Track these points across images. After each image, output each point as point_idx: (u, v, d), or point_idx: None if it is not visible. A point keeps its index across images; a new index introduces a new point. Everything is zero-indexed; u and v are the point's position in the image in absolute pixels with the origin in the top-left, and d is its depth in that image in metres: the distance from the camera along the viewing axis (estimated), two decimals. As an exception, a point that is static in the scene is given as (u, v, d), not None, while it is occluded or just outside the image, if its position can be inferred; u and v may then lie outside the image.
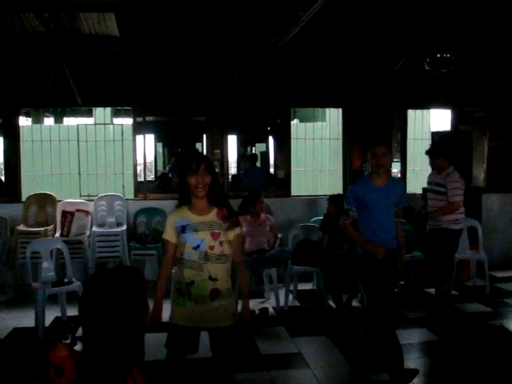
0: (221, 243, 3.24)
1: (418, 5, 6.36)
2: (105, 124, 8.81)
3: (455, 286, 7.06)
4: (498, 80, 8.49)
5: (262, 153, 12.62)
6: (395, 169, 9.38)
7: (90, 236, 7.44)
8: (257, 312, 6.33)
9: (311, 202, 8.27)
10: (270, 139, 12.51)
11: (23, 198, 7.76)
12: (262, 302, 6.76)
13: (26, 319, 6.02)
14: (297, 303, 6.77)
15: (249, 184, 9.50)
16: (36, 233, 7.15)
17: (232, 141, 11.03)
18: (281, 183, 8.88)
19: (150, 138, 11.58)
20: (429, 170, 8.20)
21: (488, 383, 4.38)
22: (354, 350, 4.96)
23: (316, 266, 6.49)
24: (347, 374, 4.60)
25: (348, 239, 5.30)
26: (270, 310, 6.43)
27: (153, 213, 7.74)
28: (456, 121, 8.83)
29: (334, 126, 8.97)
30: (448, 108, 8.91)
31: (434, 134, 8.59)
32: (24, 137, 8.22)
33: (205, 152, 8.30)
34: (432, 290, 6.65)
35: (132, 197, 8.09)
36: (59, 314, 6.09)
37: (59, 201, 7.72)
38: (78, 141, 8.48)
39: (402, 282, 6.93)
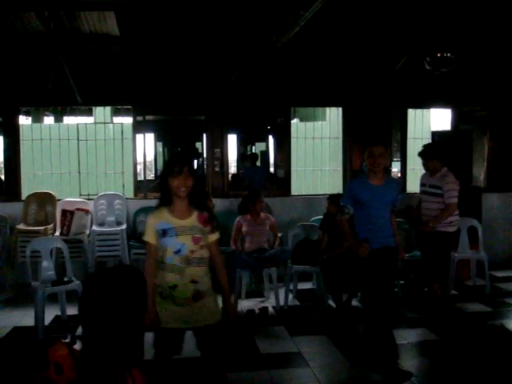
0: (201, 247, 3.30)
1: (419, 4, 6.35)
2: (105, 123, 8.80)
3: (455, 285, 7.07)
4: (499, 79, 8.48)
5: (261, 152, 12.64)
6: (395, 168, 9.40)
7: (89, 235, 7.43)
8: (257, 311, 6.33)
9: (311, 201, 8.27)
10: (270, 138, 12.55)
11: (23, 197, 7.76)
12: (262, 302, 6.76)
13: (25, 318, 6.03)
14: (297, 302, 6.77)
15: (249, 183, 9.50)
16: (36, 232, 7.14)
17: (232, 140, 11.04)
18: (281, 182, 8.87)
19: (150, 137, 11.62)
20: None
21: (488, 383, 4.38)
22: (353, 350, 4.96)
23: (316, 266, 6.49)
24: (347, 374, 4.60)
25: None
26: (270, 309, 6.43)
27: (153, 212, 7.72)
28: (456, 120, 8.82)
29: (334, 126, 8.96)
30: (448, 107, 8.90)
31: (434, 134, 8.58)
32: (24, 136, 8.21)
33: (205, 151, 8.30)
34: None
35: (132, 196, 8.08)
36: (59, 313, 6.09)
37: (59, 200, 7.72)
38: (78, 140, 8.48)
39: (402, 282, 6.92)
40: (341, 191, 7.82)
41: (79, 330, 1.74)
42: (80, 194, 8.26)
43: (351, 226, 4.69)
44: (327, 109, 9.22)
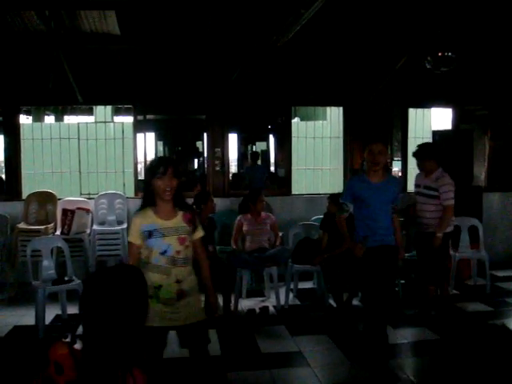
0: (186, 247, 3.35)
1: (420, 3, 6.34)
2: (105, 122, 8.80)
3: (456, 285, 7.07)
4: (500, 79, 8.47)
5: (262, 151, 12.64)
6: (396, 167, 9.40)
7: (90, 234, 7.43)
8: (257, 311, 6.33)
9: (312, 200, 8.26)
10: (271, 138, 12.54)
11: (24, 196, 7.76)
12: (263, 301, 6.76)
13: (26, 317, 6.03)
14: (297, 302, 6.77)
15: (250, 182, 9.50)
16: (36, 231, 7.14)
17: (233, 139, 11.04)
18: (281, 182, 8.87)
19: (151, 136, 11.59)
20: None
21: (489, 382, 4.38)
22: (354, 349, 4.96)
23: (316, 265, 6.49)
24: (347, 373, 4.60)
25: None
26: (271, 308, 6.43)
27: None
28: (457, 120, 8.81)
29: (334, 125, 8.96)
30: (449, 107, 8.89)
31: (435, 133, 8.58)
32: (25, 135, 8.21)
33: (205, 150, 8.29)
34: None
35: (132, 195, 8.08)
36: (59, 312, 6.09)
37: (60, 199, 7.72)
38: (79, 139, 8.48)
39: (403, 281, 6.92)
40: (341, 190, 7.79)
41: (80, 330, 1.73)
42: (81, 194, 8.26)
43: (351, 225, 4.70)
44: (328, 108, 9.22)
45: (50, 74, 7.29)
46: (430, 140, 8.62)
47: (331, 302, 6.44)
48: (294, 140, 8.60)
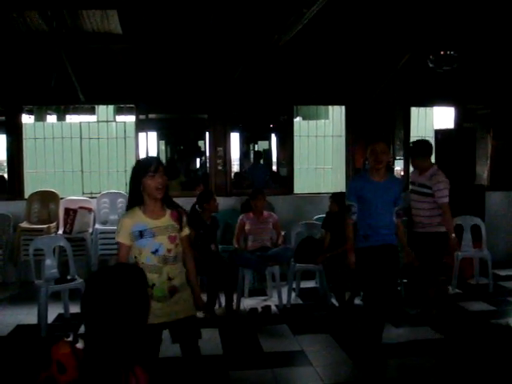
0: (176, 245, 3.38)
1: (422, 2, 6.33)
2: (107, 121, 8.82)
3: (458, 284, 7.06)
4: (502, 78, 8.46)
5: (264, 150, 12.64)
6: (398, 166, 9.38)
7: (92, 233, 7.44)
8: (259, 310, 6.33)
9: (314, 199, 8.26)
10: (273, 137, 12.54)
11: (26, 196, 7.77)
12: (265, 300, 6.76)
13: (28, 316, 6.04)
14: (299, 301, 6.77)
15: (252, 181, 9.51)
16: (39, 230, 7.16)
17: (235, 138, 11.04)
18: (284, 181, 8.87)
19: (153, 135, 11.60)
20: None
21: (491, 382, 4.37)
22: (356, 348, 4.96)
23: (319, 264, 6.48)
24: (350, 372, 4.60)
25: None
26: (273, 307, 6.43)
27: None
28: (459, 118, 8.80)
29: (336, 124, 8.96)
30: (451, 105, 8.88)
31: (438, 132, 8.57)
32: (27, 134, 8.23)
33: (207, 149, 8.30)
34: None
35: (134, 194, 8.07)
36: (62, 311, 6.10)
37: (62, 198, 7.73)
38: (81, 138, 8.50)
39: (405, 281, 6.91)
40: (344, 189, 7.80)
41: (82, 329, 1.74)
42: (83, 193, 8.27)
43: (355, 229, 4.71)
44: (330, 107, 9.22)
45: (53, 74, 7.30)
46: (432, 139, 8.61)
47: (333, 301, 6.44)
48: (296, 139, 8.60)
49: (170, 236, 3.34)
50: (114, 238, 3.45)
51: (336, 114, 8.97)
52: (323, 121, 9.45)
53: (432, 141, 8.44)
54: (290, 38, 6.35)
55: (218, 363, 4.78)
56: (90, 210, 7.61)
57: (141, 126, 8.14)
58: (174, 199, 3.61)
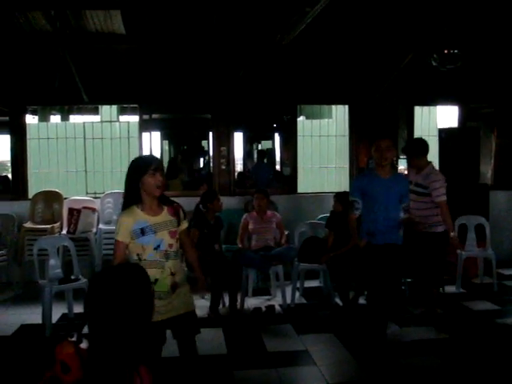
0: (177, 240, 3.45)
1: (425, 1, 6.32)
2: (111, 122, 8.82)
3: (463, 283, 7.04)
4: (506, 76, 8.43)
5: (268, 150, 12.63)
6: (402, 165, 9.36)
7: (96, 233, 7.45)
8: (263, 309, 6.33)
9: (318, 199, 8.25)
10: (276, 136, 12.53)
11: (30, 196, 7.79)
12: (269, 300, 6.76)
13: (33, 316, 6.05)
14: (303, 300, 6.77)
15: (255, 180, 9.50)
16: (43, 230, 7.18)
17: (238, 138, 11.02)
18: (287, 180, 8.86)
19: (157, 135, 11.60)
20: (436, 166, 8.21)
21: (496, 381, 4.37)
22: (360, 347, 4.95)
23: (323, 264, 6.48)
24: (354, 372, 4.59)
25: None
26: (277, 307, 6.43)
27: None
28: (463, 117, 8.78)
29: (340, 123, 8.95)
30: (455, 104, 8.86)
31: (441, 131, 8.55)
32: (31, 134, 8.25)
33: (211, 149, 8.30)
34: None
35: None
36: (66, 311, 6.11)
37: (66, 198, 7.75)
38: (85, 138, 8.51)
39: (409, 280, 6.89)
40: (347, 189, 7.77)
41: (86, 329, 1.73)
42: (86, 193, 8.28)
43: (357, 222, 4.70)
44: (333, 106, 9.21)
45: (56, 74, 7.31)
46: (436, 138, 8.59)
47: (337, 300, 6.43)
48: (299, 138, 8.60)
49: (171, 231, 3.40)
50: (117, 238, 3.44)
51: (339, 114, 8.96)
52: (327, 120, 9.43)
53: (436, 140, 8.46)
54: (293, 37, 6.34)
55: (222, 363, 4.78)
56: (93, 209, 7.62)
57: (144, 126, 8.15)
58: (176, 199, 3.64)
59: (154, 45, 7.54)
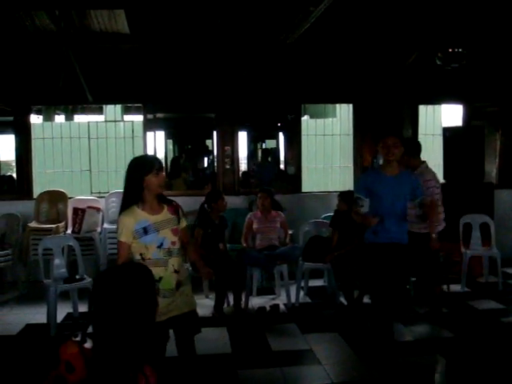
0: (179, 238, 3.49)
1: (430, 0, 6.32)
2: (115, 121, 8.83)
3: (467, 282, 7.03)
4: (510, 75, 8.40)
5: (272, 149, 12.61)
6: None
7: (101, 233, 7.47)
8: (268, 309, 6.32)
9: (322, 198, 8.25)
10: (281, 135, 12.50)
11: (35, 195, 7.81)
12: (273, 299, 6.75)
13: (38, 315, 6.07)
14: (308, 300, 6.76)
15: (260, 179, 9.50)
16: (48, 230, 7.19)
17: (242, 137, 11.01)
18: (292, 179, 8.86)
19: (161, 134, 11.59)
20: (441, 165, 8.21)
21: (501, 380, 4.36)
22: (364, 347, 4.95)
23: (327, 263, 6.47)
24: (358, 371, 4.58)
25: (358, 235, 5.27)
26: (281, 306, 6.42)
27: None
28: (468, 116, 8.76)
29: (344, 122, 8.94)
30: (460, 103, 8.84)
31: (446, 130, 8.53)
32: (35, 134, 8.26)
33: (215, 148, 8.31)
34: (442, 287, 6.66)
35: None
36: (71, 311, 6.12)
37: (70, 198, 7.76)
38: (89, 138, 8.52)
39: (414, 279, 6.88)
40: (352, 188, 7.78)
41: (91, 328, 1.74)
42: (91, 192, 8.29)
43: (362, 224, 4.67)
44: (338, 105, 9.19)
45: (60, 74, 7.33)
46: (440, 137, 8.57)
47: (342, 299, 6.43)
48: (303, 138, 8.59)
49: (172, 229, 3.44)
50: (122, 238, 3.44)
51: (344, 113, 8.95)
52: (331, 119, 9.43)
53: (440, 139, 8.44)
54: (298, 36, 6.34)
55: (226, 362, 4.78)
56: (98, 209, 7.64)
57: (148, 126, 8.17)
58: (181, 198, 3.66)
59: (158, 44, 7.54)
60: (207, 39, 7.32)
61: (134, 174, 3.37)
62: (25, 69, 7.59)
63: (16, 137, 8.01)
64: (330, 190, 8.50)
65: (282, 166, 11.77)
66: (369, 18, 6.91)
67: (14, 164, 9.57)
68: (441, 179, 8.13)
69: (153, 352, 3.28)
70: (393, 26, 7.11)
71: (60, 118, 10.87)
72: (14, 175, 8.55)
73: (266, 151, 11.39)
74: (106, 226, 7.55)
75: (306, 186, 8.61)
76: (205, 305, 6.26)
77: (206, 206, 6.33)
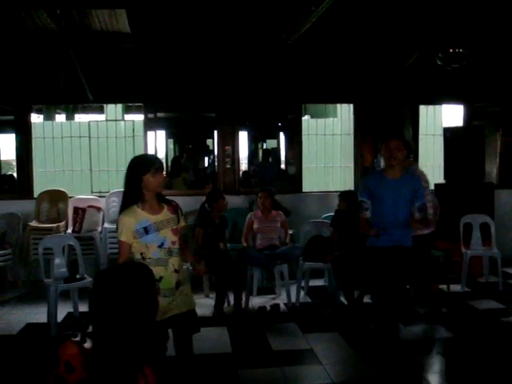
0: (179, 237, 3.50)
1: (430, 0, 6.32)
2: (116, 120, 8.83)
3: (468, 282, 7.03)
4: (511, 75, 8.40)
5: (272, 149, 12.63)
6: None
7: (101, 232, 7.48)
8: (268, 308, 6.33)
9: (323, 198, 8.25)
10: (281, 135, 12.52)
11: (35, 195, 7.82)
12: (274, 299, 6.76)
13: (38, 315, 6.07)
14: (308, 299, 6.76)
15: (261, 179, 9.50)
16: (48, 229, 7.20)
17: (243, 137, 11.02)
18: (292, 179, 8.86)
19: (161, 134, 11.61)
20: (441, 165, 8.21)
21: (501, 380, 4.36)
22: (365, 347, 4.95)
23: (327, 263, 6.47)
24: (358, 370, 4.58)
25: (358, 235, 5.27)
26: (282, 306, 6.42)
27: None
28: (468, 116, 8.76)
29: (345, 122, 8.94)
30: (460, 103, 8.84)
31: (446, 130, 8.54)
32: (36, 133, 8.26)
33: (216, 148, 8.31)
34: (442, 287, 6.66)
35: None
36: (71, 310, 6.12)
37: (71, 197, 7.77)
38: (90, 137, 8.52)
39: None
40: (352, 188, 7.81)
41: (91, 328, 1.75)
42: (92, 192, 8.29)
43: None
44: (338, 105, 9.18)
45: (61, 73, 7.34)
46: (441, 137, 8.56)
47: (342, 299, 6.43)
48: (304, 137, 8.59)
49: (173, 228, 3.44)
50: (123, 237, 3.44)
51: (344, 112, 8.95)
52: (331, 119, 9.42)
53: (441, 139, 8.44)
54: (299, 36, 6.34)
55: (226, 361, 4.78)
56: (98, 208, 7.64)
57: (149, 125, 8.16)
58: (181, 198, 3.66)
59: (158, 44, 7.54)
60: (208, 39, 7.33)
61: (134, 173, 3.37)
62: (26, 68, 7.59)
63: (17, 136, 8.01)
64: (331, 190, 8.50)
65: (282, 166, 11.79)
66: (369, 18, 6.91)
67: (14, 163, 9.58)
68: (441, 179, 8.17)
69: (153, 352, 3.30)
70: (393, 26, 7.11)
71: (61, 117, 10.87)
72: (15, 174, 8.56)
73: (266, 151, 11.40)
74: (106, 225, 7.55)
75: (307, 186, 8.61)
76: (205, 304, 6.26)
77: (206, 205, 6.33)
